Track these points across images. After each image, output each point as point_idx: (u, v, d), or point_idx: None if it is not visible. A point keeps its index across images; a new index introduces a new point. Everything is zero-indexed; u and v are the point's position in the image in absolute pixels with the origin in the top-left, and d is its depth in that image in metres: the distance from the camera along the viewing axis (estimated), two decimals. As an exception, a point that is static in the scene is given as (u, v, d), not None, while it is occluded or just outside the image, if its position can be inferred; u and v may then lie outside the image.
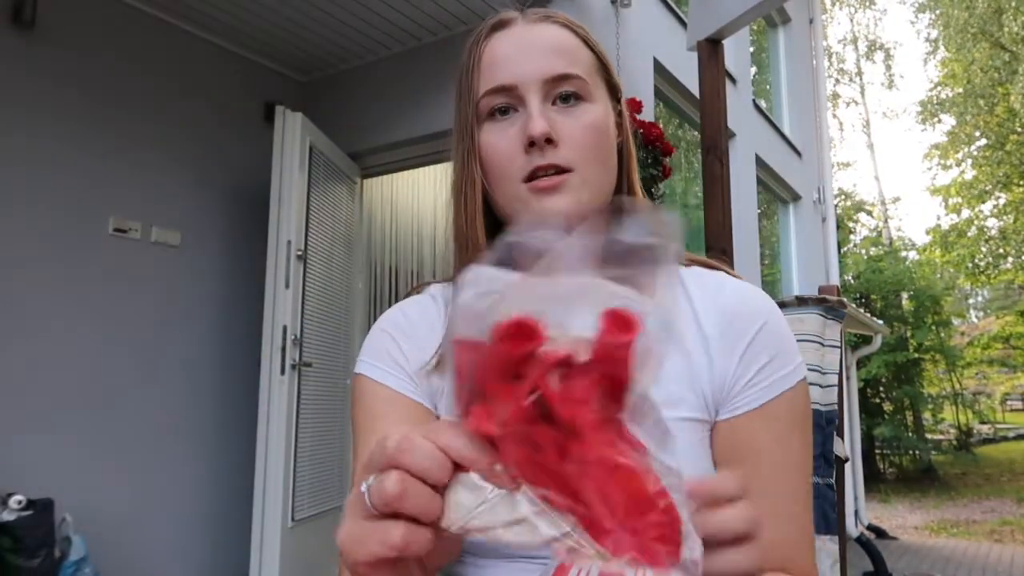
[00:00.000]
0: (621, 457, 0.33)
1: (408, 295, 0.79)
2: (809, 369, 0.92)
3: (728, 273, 0.73)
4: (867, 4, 19.12)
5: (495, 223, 0.72)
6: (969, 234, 14.98)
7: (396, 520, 0.33)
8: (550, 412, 0.32)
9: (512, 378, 0.33)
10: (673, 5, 4.43)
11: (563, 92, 0.67)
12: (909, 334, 11.30)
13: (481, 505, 0.33)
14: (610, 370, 0.33)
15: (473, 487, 0.34)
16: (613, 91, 0.73)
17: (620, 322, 0.33)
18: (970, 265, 14.84)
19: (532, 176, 0.65)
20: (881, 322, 8.74)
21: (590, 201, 0.66)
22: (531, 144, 0.65)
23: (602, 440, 0.33)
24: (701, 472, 0.64)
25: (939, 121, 16.49)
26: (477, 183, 0.69)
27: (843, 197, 16.83)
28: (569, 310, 0.33)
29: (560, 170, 0.65)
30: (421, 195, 4.95)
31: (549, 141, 0.65)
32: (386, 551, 0.33)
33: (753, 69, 6.34)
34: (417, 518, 0.33)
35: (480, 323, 0.34)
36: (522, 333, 0.33)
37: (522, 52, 0.68)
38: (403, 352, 0.70)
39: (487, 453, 0.34)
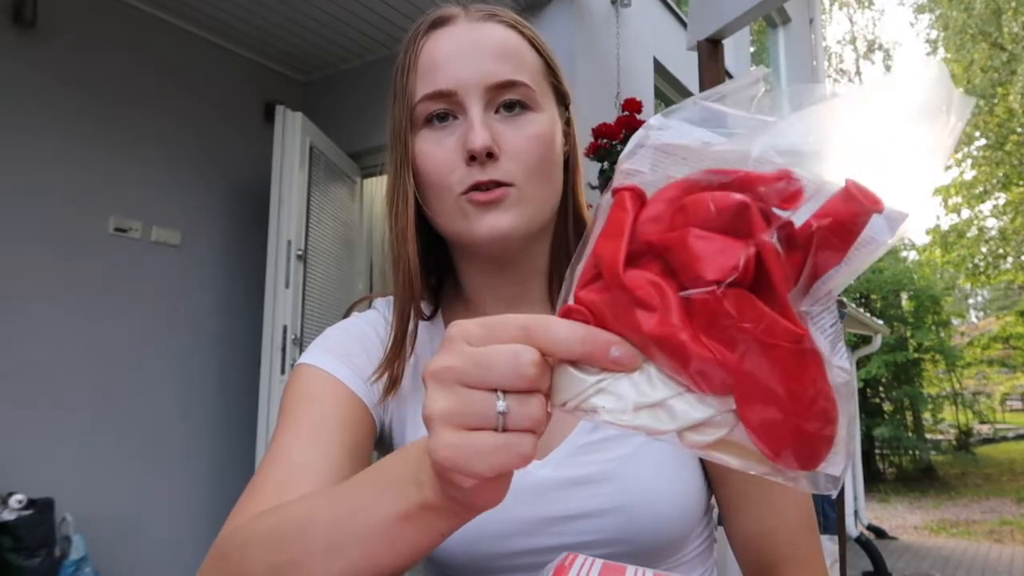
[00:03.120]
0: (808, 343, 0.28)
1: (355, 307, 0.77)
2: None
3: None
4: (865, 5, 19.15)
5: (431, 236, 0.68)
6: (969, 234, 14.98)
7: (527, 433, 0.33)
8: (745, 279, 0.28)
9: (727, 230, 0.29)
10: (673, 5, 4.44)
11: (507, 100, 0.62)
12: (909, 334, 11.32)
13: (599, 383, 0.32)
14: (829, 240, 0.29)
15: (585, 369, 0.32)
16: (561, 97, 0.69)
17: (863, 195, 0.28)
18: (970, 265, 14.84)
19: (472, 190, 0.61)
20: (881, 322, 8.74)
21: (533, 217, 0.62)
22: (472, 158, 0.60)
23: (786, 324, 0.28)
24: (690, 474, 0.64)
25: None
26: (410, 195, 0.65)
27: (843, 197, 16.82)
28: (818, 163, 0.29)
29: (501, 184, 0.61)
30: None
31: (490, 155, 0.60)
32: (519, 463, 0.33)
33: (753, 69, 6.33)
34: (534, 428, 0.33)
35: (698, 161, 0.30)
36: (783, 180, 0.29)
37: (463, 54, 0.62)
38: (360, 356, 0.68)
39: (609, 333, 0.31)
